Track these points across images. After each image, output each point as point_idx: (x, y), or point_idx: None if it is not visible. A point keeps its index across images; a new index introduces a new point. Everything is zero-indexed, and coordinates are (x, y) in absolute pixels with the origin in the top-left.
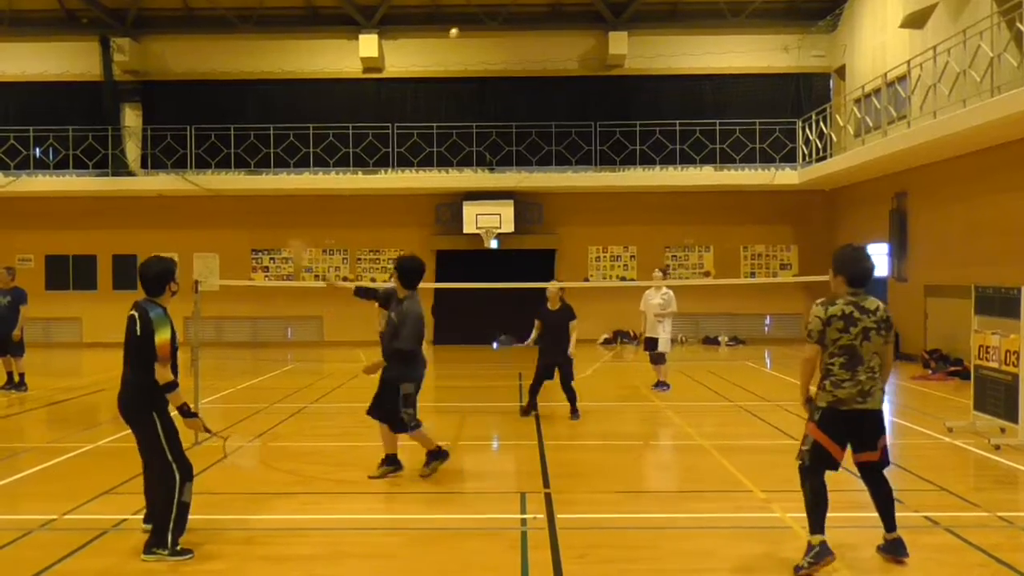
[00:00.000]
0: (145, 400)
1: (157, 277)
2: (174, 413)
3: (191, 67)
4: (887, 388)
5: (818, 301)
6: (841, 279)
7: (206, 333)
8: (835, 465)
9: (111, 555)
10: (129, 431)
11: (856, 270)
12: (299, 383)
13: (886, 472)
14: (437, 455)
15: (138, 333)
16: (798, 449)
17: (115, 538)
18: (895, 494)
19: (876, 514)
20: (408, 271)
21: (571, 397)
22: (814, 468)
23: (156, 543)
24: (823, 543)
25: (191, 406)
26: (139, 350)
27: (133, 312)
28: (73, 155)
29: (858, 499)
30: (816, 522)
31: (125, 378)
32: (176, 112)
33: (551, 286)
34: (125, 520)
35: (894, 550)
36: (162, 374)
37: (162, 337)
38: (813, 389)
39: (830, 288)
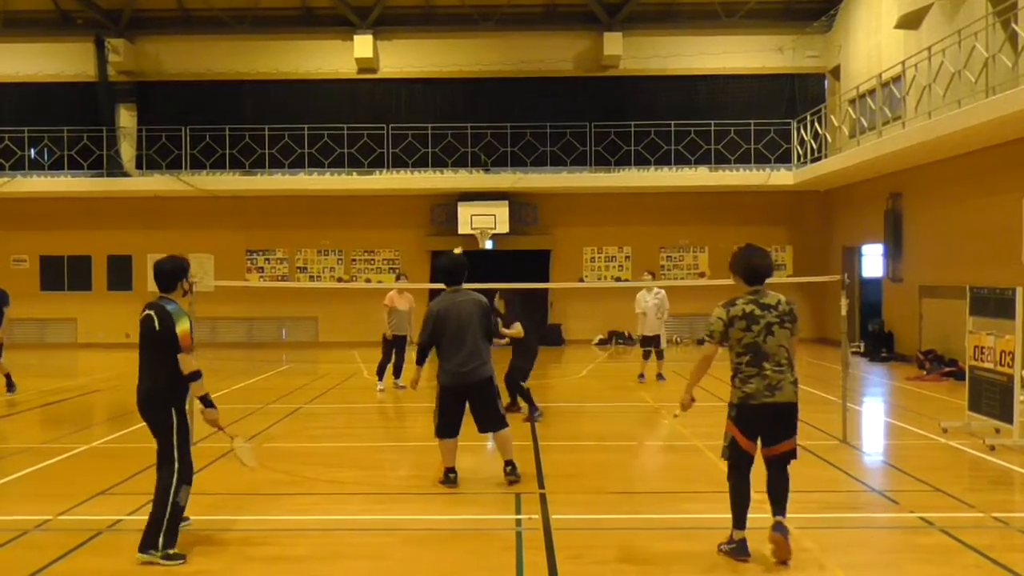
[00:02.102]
0: (165, 397)
1: (170, 274)
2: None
3: (186, 68)
4: (885, 388)
5: (720, 304)
6: (739, 279)
7: (201, 334)
8: (749, 460)
9: (106, 556)
10: (126, 431)
11: (749, 269)
12: (294, 384)
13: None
14: (446, 473)
15: (157, 328)
16: (722, 447)
17: (110, 539)
18: (890, 494)
19: (868, 514)
20: (438, 271)
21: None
22: (738, 465)
23: (150, 544)
24: (743, 540)
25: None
26: (158, 345)
27: (148, 311)
28: (68, 156)
29: (854, 500)
30: (738, 518)
31: (143, 377)
32: (171, 113)
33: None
34: (120, 521)
35: (776, 529)
36: (187, 363)
37: (183, 327)
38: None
39: (735, 288)
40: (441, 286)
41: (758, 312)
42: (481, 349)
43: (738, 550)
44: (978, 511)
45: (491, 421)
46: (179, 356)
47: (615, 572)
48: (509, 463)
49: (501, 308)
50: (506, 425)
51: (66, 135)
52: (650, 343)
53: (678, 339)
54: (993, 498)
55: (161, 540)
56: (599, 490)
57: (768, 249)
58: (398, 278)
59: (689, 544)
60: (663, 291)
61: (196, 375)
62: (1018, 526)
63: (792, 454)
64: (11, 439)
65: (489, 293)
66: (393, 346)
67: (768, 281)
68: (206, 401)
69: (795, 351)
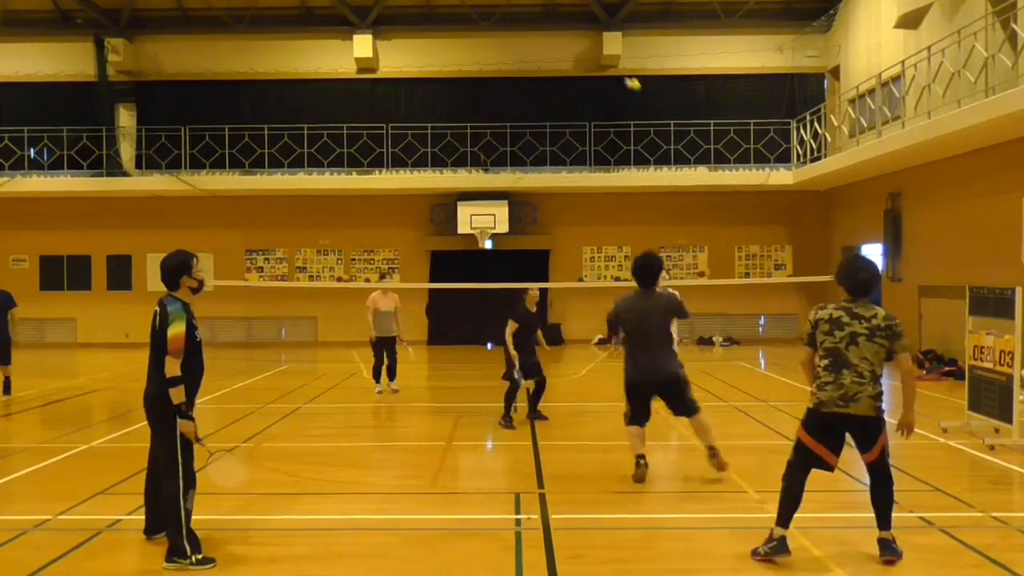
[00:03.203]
0: (166, 397)
1: (169, 270)
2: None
3: (185, 67)
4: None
5: (816, 306)
6: (843, 288)
7: (200, 333)
8: (825, 466)
9: (105, 556)
10: (125, 431)
11: (851, 282)
12: (293, 383)
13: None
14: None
15: (156, 327)
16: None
17: (109, 538)
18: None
19: (868, 514)
20: (633, 270)
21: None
22: (797, 465)
23: (176, 553)
24: (783, 538)
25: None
26: (156, 344)
27: (156, 307)
28: (67, 155)
29: (854, 499)
30: (783, 515)
31: (149, 375)
32: (170, 112)
33: (533, 288)
34: (119, 520)
35: (881, 549)
36: (170, 367)
37: (174, 330)
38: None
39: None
40: (438, 285)
41: (846, 319)
42: (657, 351)
43: (777, 548)
44: (978, 511)
45: (682, 409)
46: (166, 358)
47: (615, 572)
48: (711, 448)
49: (533, 306)
50: (698, 410)
51: (66, 135)
52: None
53: (677, 339)
54: (993, 498)
55: (187, 547)
56: (598, 490)
57: (768, 248)
58: (382, 277)
59: (689, 544)
60: (676, 291)
61: (173, 381)
62: (1017, 526)
63: (877, 464)
64: (11, 439)
65: (520, 292)
66: (383, 348)
67: (769, 281)
68: (179, 411)
69: (907, 370)
